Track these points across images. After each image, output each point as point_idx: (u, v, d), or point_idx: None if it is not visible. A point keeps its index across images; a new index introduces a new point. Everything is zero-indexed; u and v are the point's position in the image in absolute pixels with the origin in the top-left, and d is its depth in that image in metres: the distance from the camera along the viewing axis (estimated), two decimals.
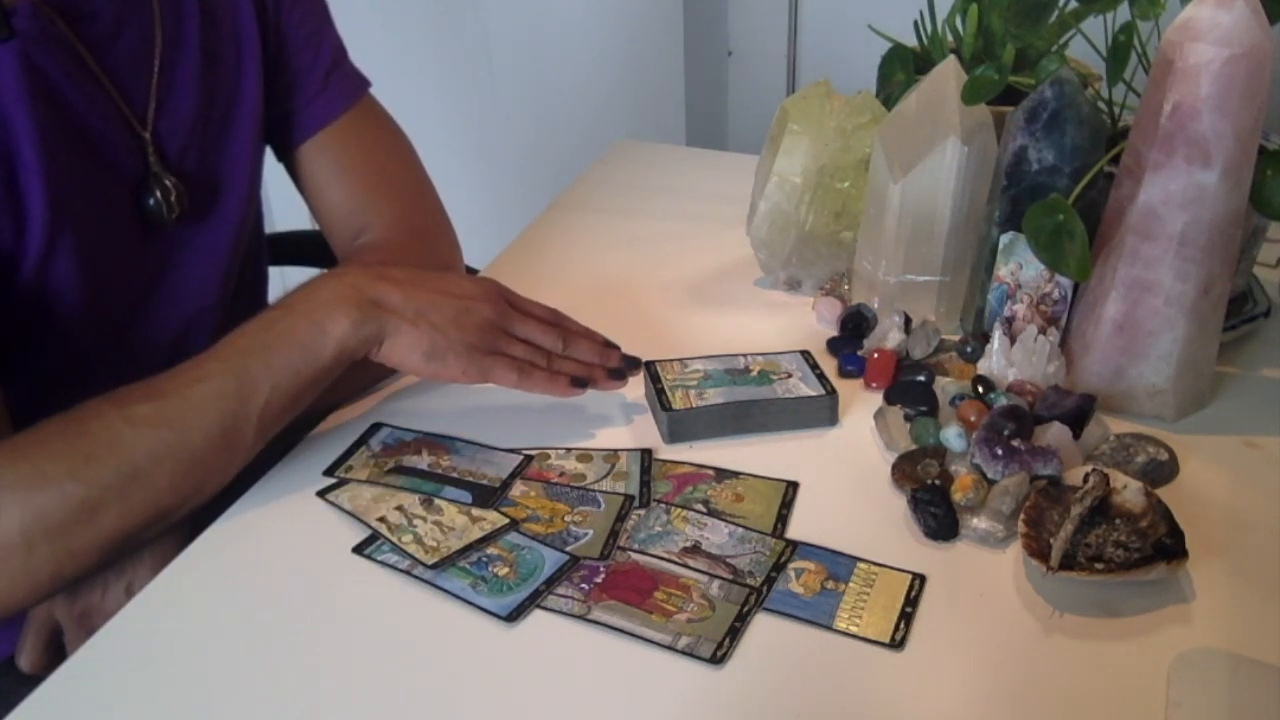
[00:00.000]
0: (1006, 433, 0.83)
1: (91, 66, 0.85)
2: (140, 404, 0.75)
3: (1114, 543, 0.74)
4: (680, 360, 0.95)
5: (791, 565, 0.76)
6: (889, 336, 0.97)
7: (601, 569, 0.76)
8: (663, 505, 0.82)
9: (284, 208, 2.43)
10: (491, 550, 0.78)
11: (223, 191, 0.96)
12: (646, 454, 0.87)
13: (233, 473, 0.79)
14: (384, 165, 1.09)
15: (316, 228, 1.10)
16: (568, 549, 0.77)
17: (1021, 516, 0.76)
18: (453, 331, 0.83)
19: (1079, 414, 0.86)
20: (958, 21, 1.11)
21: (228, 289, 1.01)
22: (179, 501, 0.76)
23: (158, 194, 0.89)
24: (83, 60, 0.84)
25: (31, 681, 0.70)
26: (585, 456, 0.87)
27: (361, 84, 1.11)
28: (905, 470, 0.83)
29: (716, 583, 0.74)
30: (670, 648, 0.69)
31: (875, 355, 0.95)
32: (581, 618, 0.72)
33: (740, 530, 0.79)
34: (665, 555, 0.77)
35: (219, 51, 0.95)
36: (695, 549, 0.77)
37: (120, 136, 0.88)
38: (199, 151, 0.94)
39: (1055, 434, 0.84)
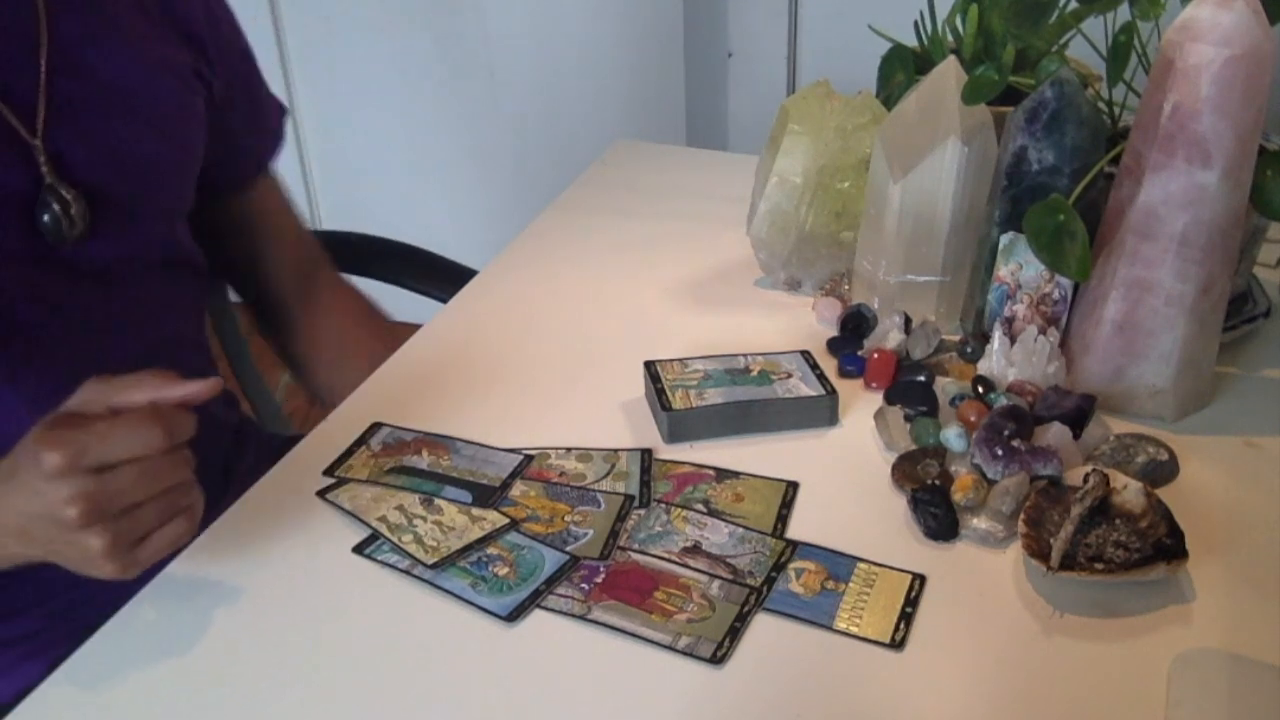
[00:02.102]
0: (1006, 433, 0.83)
1: None
2: None
3: (1114, 543, 0.74)
4: (680, 360, 0.95)
5: (791, 565, 0.76)
6: (889, 336, 0.97)
7: (601, 569, 0.76)
8: (663, 505, 0.81)
9: None
10: (492, 550, 0.77)
11: (133, 208, 0.87)
12: (646, 454, 0.87)
13: None
14: (291, 200, 1.11)
15: (316, 228, 1.11)
16: (568, 549, 0.77)
17: (1021, 516, 0.76)
18: (69, 554, 0.69)
19: (1079, 414, 0.86)
20: (958, 21, 1.11)
21: (163, 320, 0.94)
22: None
23: (55, 208, 0.80)
24: None
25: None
26: (585, 456, 0.87)
27: (283, 112, 1.08)
28: (905, 470, 0.83)
29: (716, 583, 0.74)
30: (670, 648, 0.69)
31: (875, 355, 0.95)
32: (581, 618, 0.72)
33: (740, 530, 0.79)
34: (665, 555, 0.77)
35: (120, 50, 0.86)
36: (695, 549, 0.77)
37: (2, 146, 0.78)
38: (104, 163, 0.84)
39: (1055, 434, 0.84)
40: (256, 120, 1.04)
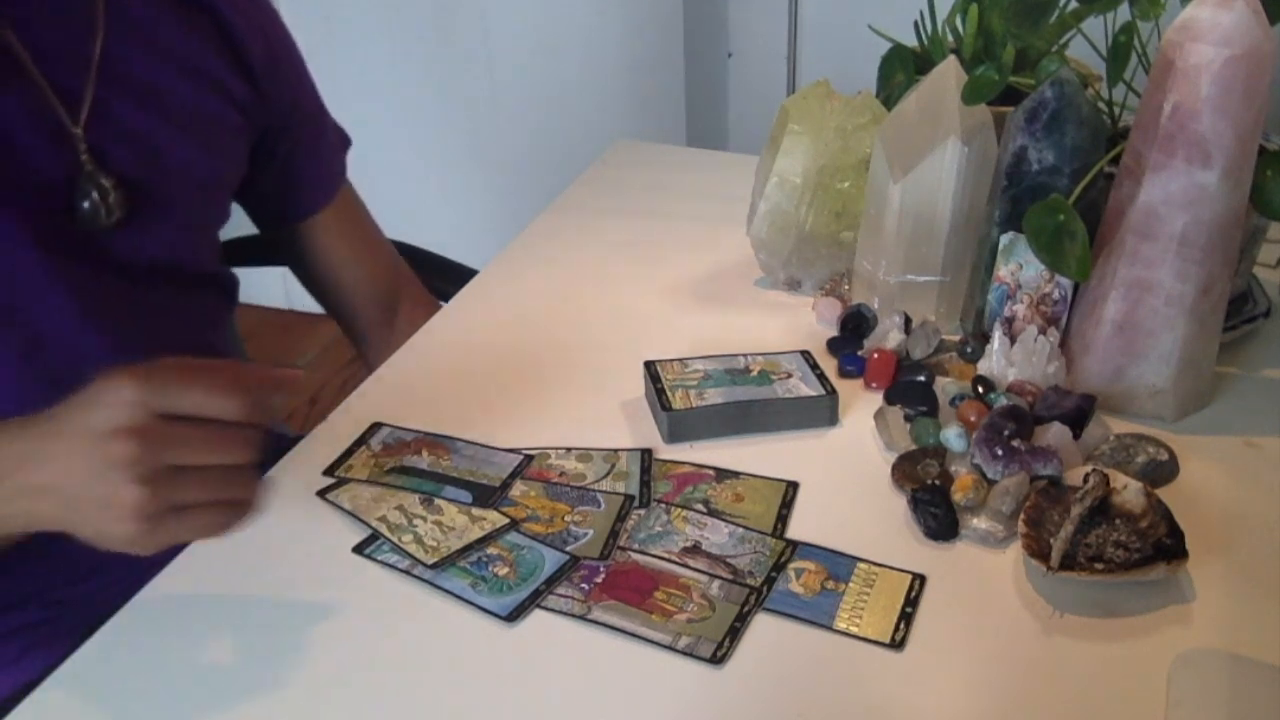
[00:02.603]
0: (1006, 433, 0.83)
1: (12, 46, 0.76)
2: None
3: (1114, 543, 0.74)
4: (680, 360, 0.95)
5: (791, 565, 0.76)
6: (889, 336, 0.97)
7: (601, 569, 0.76)
8: (663, 505, 0.81)
9: None
10: (492, 550, 0.77)
11: (163, 206, 0.89)
12: (646, 454, 0.87)
13: None
14: (375, 227, 1.12)
15: None
16: (568, 549, 0.77)
17: (1021, 516, 0.76)
18: (92, 509, 0.63)
19: (1079, 414, 0.86)
20: (958, 21, 1.11)
21: (187, 318, 0.95)
22: None
23: (94, 195, 0.81)
24: (6, 45, 0.76)
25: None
26: (585, 456, 0.87)
27: (346, 144, 1.11)
28: (905, 470, 0.83)
29: (716, 583, 0.74)
30: (670, 648, 0.69)
31: (875, 355, 0.95)
32: (582, 617, 0.72)
33: (740, 530, 0.79)
34: (665, 555, 0.77)
35: (170, 64, 0.88)
36: (695, 549, 0.77)
37: (49, 133, 0.79)
38: (139, 160, 0.86)
39: (1055, 434, 0.84)
40: (319, 151, 1.07)
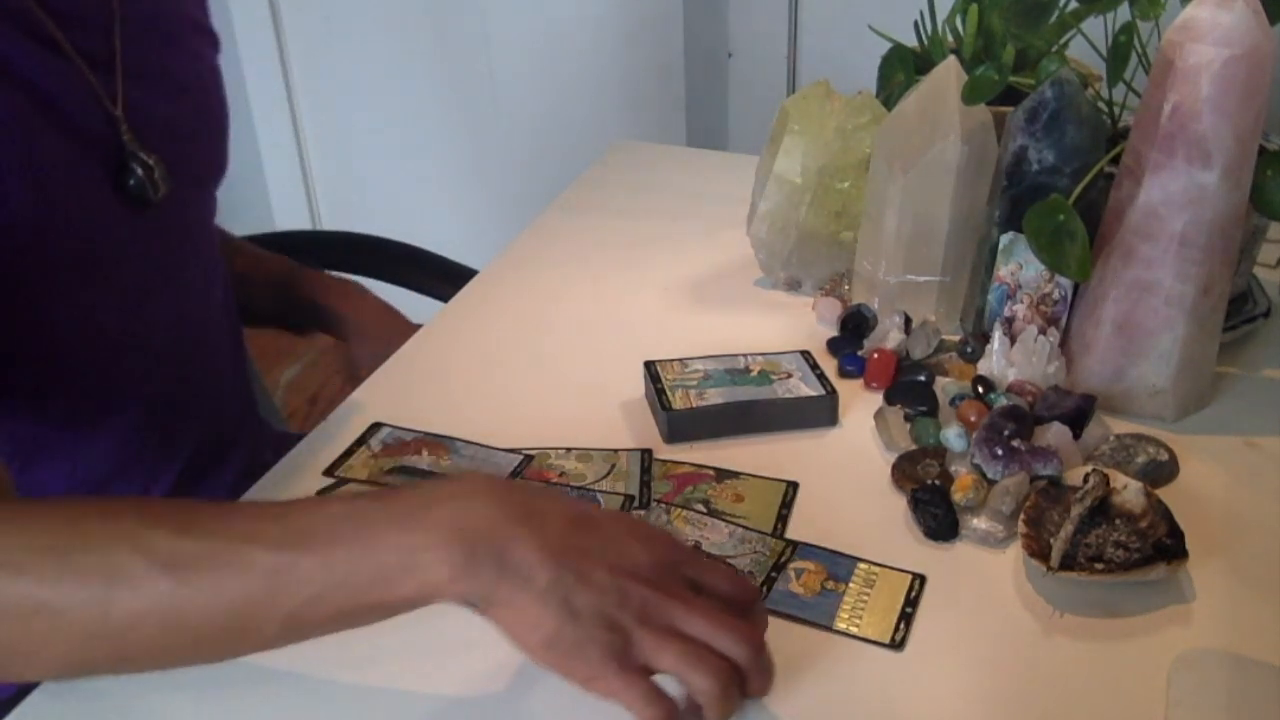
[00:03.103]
0: (1006, 433, 0.83)
1: (57, 39, 0.78)
2: (165, 536, 0.59)
3: (1114, 543, 0.74)
4: (680, 360, 0.95)
5: (791, 565, 0.76)
6: (889, 336, 0.97)
7: None
8: (663, 506, 0.81)
9: (284, 207, 2.44)
10: None
11: (199, 171, 0.94)
12: (646, 454, 0.87)
13: (238, 655, 0.62)
14: None
15: (316, 228, 1.11)
16: None
17: (1021, 516, 0.76)
18: (591, 625, 0.59)
19: (1079, 414, 0.86)
20: (958, 21, 1.11)
21: (219, 278, 0.99)
22: (152, 661, 0.62)
23: (139, 172, 0.83)
24: (48, 34, 0.77)
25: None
26: (585, 456, 0.87)
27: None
28: (905, 470, 0.83)
29: None
30: None
31: (875, 355, 0.95)
32: None
33: (740, 530, 0.79)
34: None
35: (174, 26, 0.91)
36: (695, 550, 0.77)
37: (94, 111, 0.81)
38: (171, 128, 0.88)
39: (1055, 434, 0.84)
40: None
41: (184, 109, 0.91)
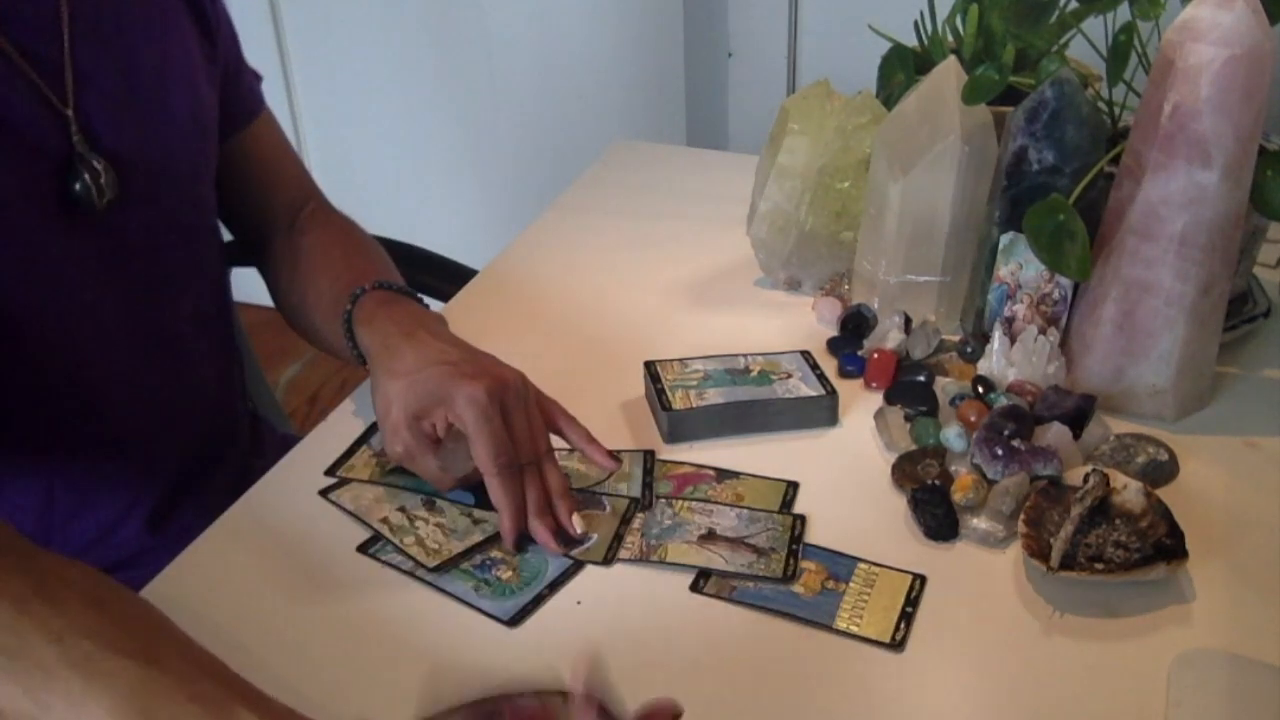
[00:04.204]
0: (1006, 433, 0.83)
1: None
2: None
3: (1114, 543, 0.74)
4: (680, 360, 0.95)
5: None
6: (889, 336, 0.97)
7: None
8: (664, 499, 0.82)
9: None
10: (495, 553, 0.77)
11: (160, 174, 0.89)
12: (649, 455, 0.87)
13: None
14: (288, 142, 1.10)
15: None
16: (571, 553, 0.77)
17: (1021, 516, 0.76)
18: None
19: (1079, 414, 0.86)
20: (958, 21, 1.11)
21: (190, 287, 0.95)
22: None
23: (85, 177, 0.80)
24: None
25: None
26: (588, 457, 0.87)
27: (258, 76, 1.07)
28: (905, 470, 0.83)
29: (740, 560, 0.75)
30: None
31: (875, 355, 0.95)
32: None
33: (746, 511, 0.79)
34: (688, 545, 0.77)
35: (136, 16, 0.87)
36: (712, 535, 0.78)
37: (39, 114, 0.79)
38: (131, 129, 0.85)
39: (1055, 434, 0.84)
40: (241, 70, 1.04)
41: (146, 110, 0.87)
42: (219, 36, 0.96)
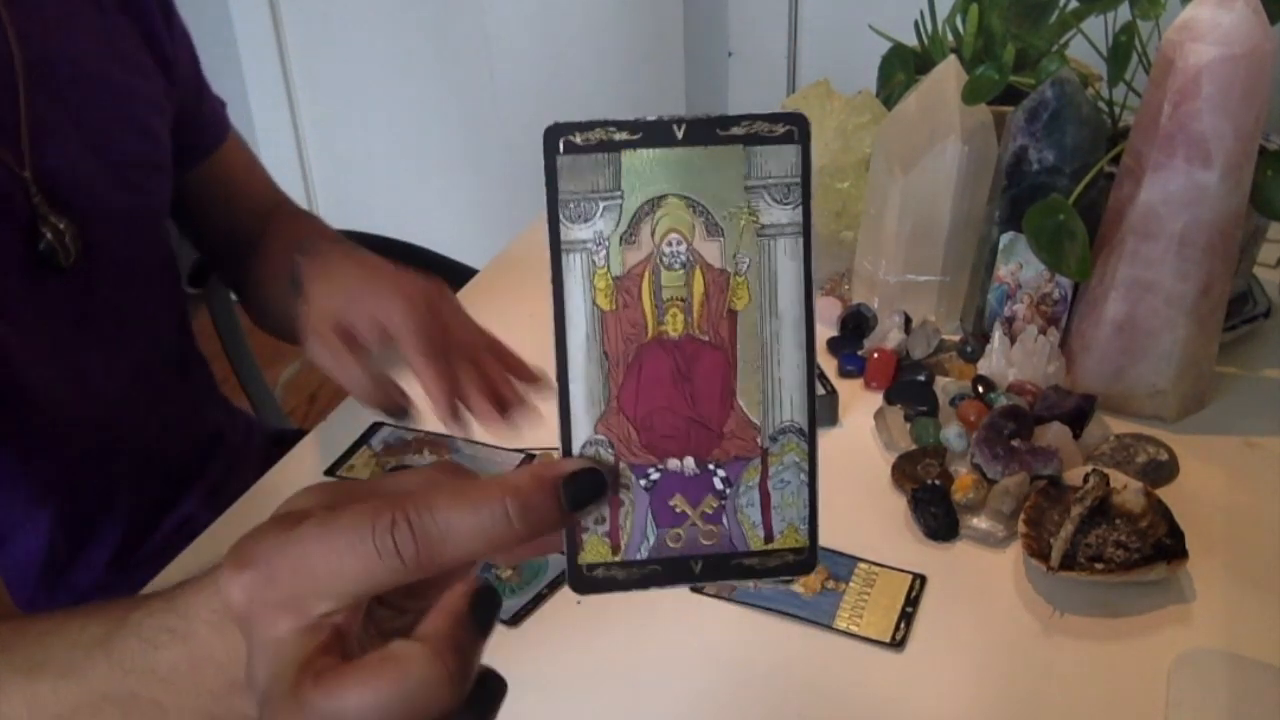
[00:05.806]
0: (1006, 433, 0.83)
1: None
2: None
3: (1114, 543, 0.74)
4: None
5: None
6: (889, 336, 0.97)
7: None
8: None
9: None
10: None
11: (121, 222, 0.88)
12: None
13: None
14: (253, 154, 1.07)
15: None
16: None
17: (1021, 516, 0.76)
18: None
19: (1079, 414, 0.86)
20: (958, 21, 1.11)
21: (161, 321, 0.95)
22: None
23: (48, 236, 0.80)
24: None
25: None
26: None
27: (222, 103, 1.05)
28: (905, 470, 0.83)
29: None
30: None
31: (875, 355, 0.95)
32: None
33: None
34: None
35: (91, 61, 0.86)
36: None
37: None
38: (89, 185, 0.85)
39: (1055, 434, 0.84)
40: (203, 97, 1.01)
41: (104, 164, 0.86)
42: (176, 68, 0.94)
